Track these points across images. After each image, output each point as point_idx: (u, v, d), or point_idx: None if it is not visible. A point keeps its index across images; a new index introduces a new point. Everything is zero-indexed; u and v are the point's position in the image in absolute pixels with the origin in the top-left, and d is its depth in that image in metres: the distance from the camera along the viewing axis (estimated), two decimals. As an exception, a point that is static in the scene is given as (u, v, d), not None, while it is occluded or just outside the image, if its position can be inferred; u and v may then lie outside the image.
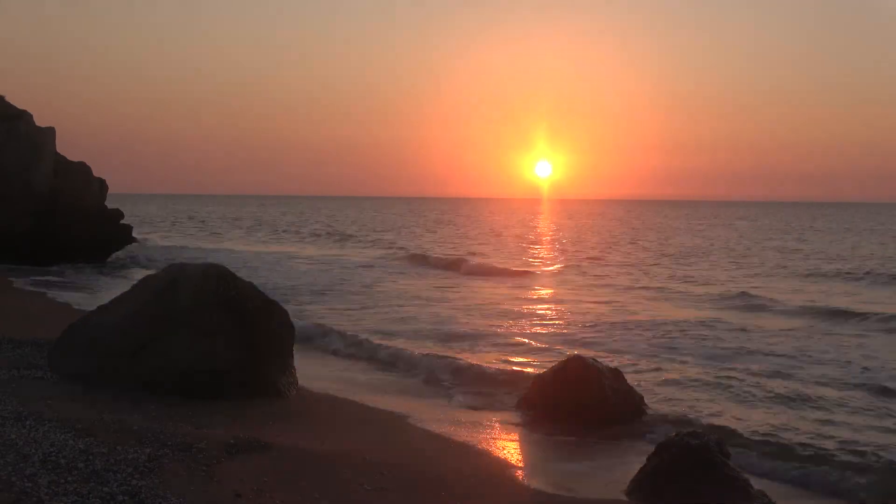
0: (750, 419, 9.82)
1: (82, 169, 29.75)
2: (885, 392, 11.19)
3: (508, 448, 8.91)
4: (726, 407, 10.42)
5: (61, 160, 29.13)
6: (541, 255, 41.26)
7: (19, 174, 27.16)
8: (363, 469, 7.06)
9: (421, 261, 35.97)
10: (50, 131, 28.43)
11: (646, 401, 10.13)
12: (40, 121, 28.63)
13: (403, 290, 24.24)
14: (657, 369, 12.65)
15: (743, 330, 16.79)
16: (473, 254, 39.93)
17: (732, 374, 12.33)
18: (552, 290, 25.46)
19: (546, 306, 21.39)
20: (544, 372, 10.59)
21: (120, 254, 31.80)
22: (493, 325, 17.22)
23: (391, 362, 13.13)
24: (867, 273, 30.11)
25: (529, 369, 12.37)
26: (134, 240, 32.32)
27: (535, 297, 23.62)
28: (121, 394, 9.01)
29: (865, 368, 12.87)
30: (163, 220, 77.04)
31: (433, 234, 61.79)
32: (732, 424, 9.56)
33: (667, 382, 11.74)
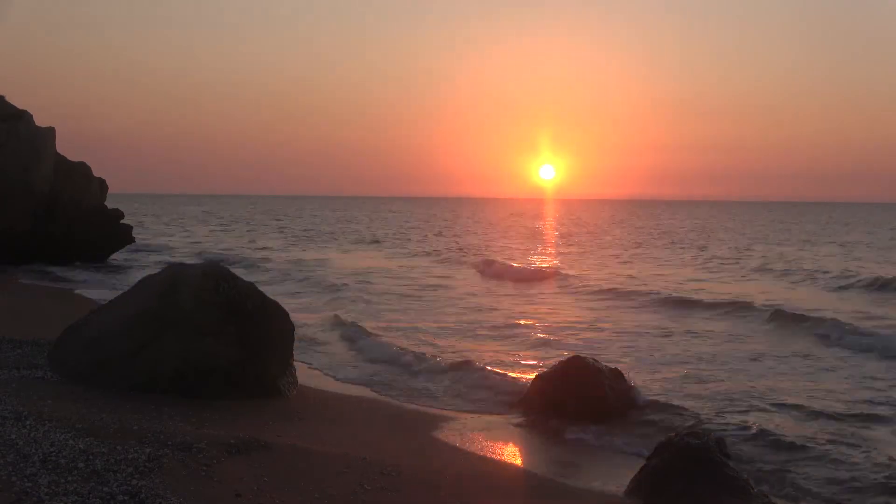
0: (749, 418, 9.81)
1: (82, 169, 29.71)
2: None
3: (508, 448, 8.90)
4: (727, 407, 10.40)
5: (61, 160, 29.09)
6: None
7: (19, 174, 27.12)
8: (363, 469, 7.06)
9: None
10: (50, 131, 28.40)
11: (646, 400, 10.12)
12: (40, 121, 28.62)
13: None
14: (657, 369, 12.64)
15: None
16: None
17: (730, 373, 12.34)
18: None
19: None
20: (544, 371, 10.59)
21: (120, 253, 31.79)
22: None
23: (392, 362, 13.13)
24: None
25: (530, 369, 12.36)
26: (133, 240, 32.26)
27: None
28: (121, 394, 9.01)
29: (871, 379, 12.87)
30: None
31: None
32: (733, 424, 9.55)
33: (667, 382, 11.73)
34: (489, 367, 12.13)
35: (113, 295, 11.41)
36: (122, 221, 30.79)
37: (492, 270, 30.66)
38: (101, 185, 30.61)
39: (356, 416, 9.62)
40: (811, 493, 7.54)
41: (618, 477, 7.68)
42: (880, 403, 10.63)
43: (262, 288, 10.65)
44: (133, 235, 31.74)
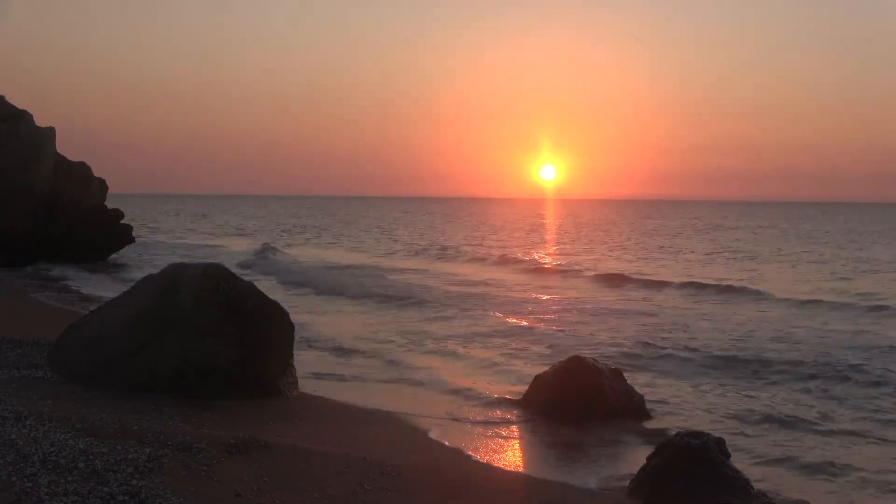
0: (749, 417, 9.82)
1: (82, 169, 29.75)
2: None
3: (508, 448, 8.90)
4: (726, 407, 10.41)
5: (61, 160, 29.12)
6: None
7: (19, 174, 27.14)
8: (363, 469, 7.06)
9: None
10: (50, 131, 28.42)
11: (646, 400, 10.12)
12: (40, 121, 28.66)
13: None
14: (655, 368, 12.64)
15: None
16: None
17: (732, 372, 12.34)
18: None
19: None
20: (544, 371, 10.59)
21: (120, 254, 31.81)
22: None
23: (393, 360, 13.13)
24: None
25: (530, 368, 12.35)
26: (133, 240, 32.27)
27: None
28: (121, 394, 9.01)
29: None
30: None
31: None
32: (733, 424, 9.56)
33: (667, 382, 11.73)
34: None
35: (111, 295, 11.42)
36: (122, 221, 30.82)
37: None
38: (101, 185, 30.64)
39: (356, 416, 9.62)
40: (812, 493, 7.54)
41: (618, 477, 7.68)
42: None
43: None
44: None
